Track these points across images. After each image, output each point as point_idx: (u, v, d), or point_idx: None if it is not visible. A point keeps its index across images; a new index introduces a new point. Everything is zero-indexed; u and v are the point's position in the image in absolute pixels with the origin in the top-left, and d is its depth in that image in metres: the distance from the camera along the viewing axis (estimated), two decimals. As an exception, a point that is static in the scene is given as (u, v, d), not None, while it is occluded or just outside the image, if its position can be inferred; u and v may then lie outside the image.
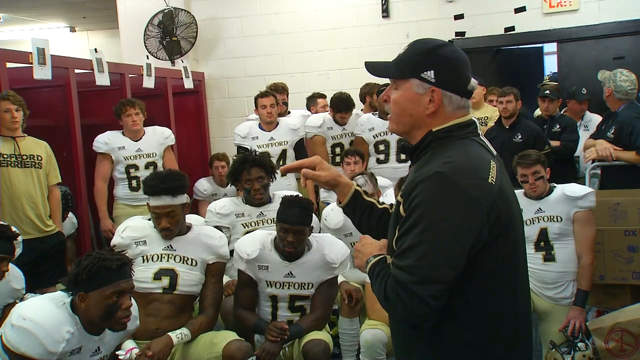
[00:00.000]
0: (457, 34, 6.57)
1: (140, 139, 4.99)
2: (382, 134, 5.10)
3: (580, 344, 3.43)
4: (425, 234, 1.53)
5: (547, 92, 5.37)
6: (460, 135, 1.66)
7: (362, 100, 5.77)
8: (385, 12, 6.84)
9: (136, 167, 4.92)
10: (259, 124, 5.12)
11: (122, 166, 4.92)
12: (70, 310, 2.44)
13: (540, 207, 3.63)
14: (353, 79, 6.24)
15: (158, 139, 5.08)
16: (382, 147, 5.09)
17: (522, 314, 1.72)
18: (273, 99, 5.04)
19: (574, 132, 5.19)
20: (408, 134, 1.74)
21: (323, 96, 5.97)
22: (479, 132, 1.71)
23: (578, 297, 3.52)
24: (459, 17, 6.48)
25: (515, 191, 3.75)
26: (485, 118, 5.57)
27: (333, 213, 3.82)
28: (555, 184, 3.69)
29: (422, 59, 1.67)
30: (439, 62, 1.66)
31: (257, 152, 4.01)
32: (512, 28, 6.43)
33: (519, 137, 4.97)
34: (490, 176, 1.59)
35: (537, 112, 5.72)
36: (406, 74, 1.68)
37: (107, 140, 4.91)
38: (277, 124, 5.11)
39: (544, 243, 3.63)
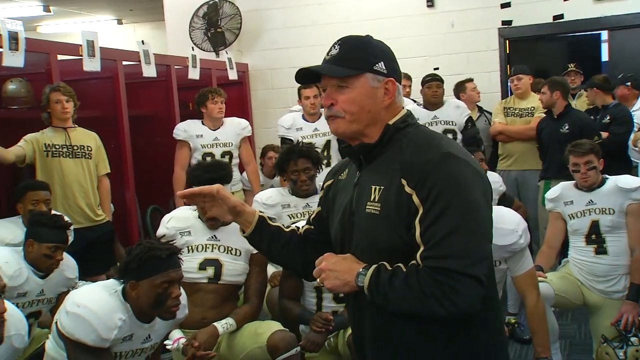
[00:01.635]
0: (503, 22, 6.45)
1: (219, 128, 5.06)
2: (426, 124, 5.02)
3: (633, 339, 3.35)
4: (459, 215, 1.49)
5: (596, 82, 5.24)
6: (414, 124, 1.67)
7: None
8: (430, 2, 6.74)
9: (212, 156, 4.98)
10: (303, 115, 5.12)
11: (199, 154, 4.99)
12: (122, 298, 2.48)
13: (592, 199, 3.55)
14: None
15: (235, 130, 5.14)
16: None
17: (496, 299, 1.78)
18: (316, 90, 5.03)
19: (623, 124, 5.03)
20: (361, 133, 1.66)
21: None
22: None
23: (631, 291, 3.43)
24: (505, 5, 6.35)
25: (565, 183, 3.73)
26: (532, 108, 5.47)
27: None
28: (607, 176, 3.60)
29: (369, 52, 1.64)
30: (383, 53, 1.65)
31: (303, 143, 4.01)
32: (561, 16, 6.27)
33: (566, 127, 4.87)
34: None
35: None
36: (359, 70, 1.63)
37: (185, 128, 5.01)
38: (321, 114, 5.10)
39: (595, 236, 3.55)
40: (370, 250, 1.62)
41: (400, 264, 1.54)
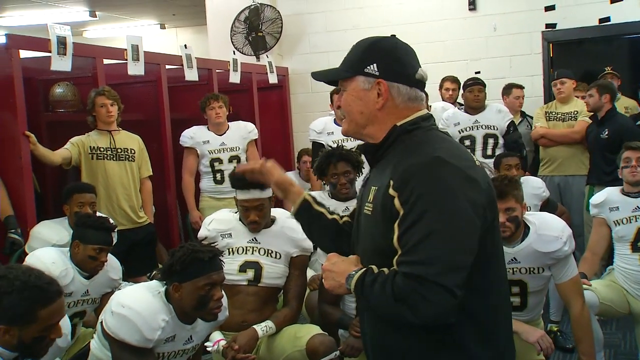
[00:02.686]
0: (547, 25, 6.34)
1: (224, 133, 5.10)
2: (467, 129, 5.01)
3: (680, 351, 3.26)
4: (437, 221, 1.45)
5: None
6: (427, 127, 1.64)
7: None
8: (472, 5, 6.67)
9: (220, 161, 5.02)
10: (334, 119, 5.11)
11: (207, 160, 5.04)
12: (165, 299, 2.51)
13: (639, 205, 3.47)
14: (438, 73, 6.13)
15: (241, 133, 5.17)
16: (467, 143, 5.01)
17: (507, 313, 1.72)
18: None
19: None
20: (361, 134, 1.70)
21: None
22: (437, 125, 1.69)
23: (680, 301, 3.34)
24: (550, 8, 6.24)
25: (611, 188, 3.65)
26: (575, 112, 5.38)
27: None
28: (656, 182, 3.51)
29: (363, 54, 1.67)
30: (379, 55, 1.65)
31: (343, 147, 4.00)
32: (607, 19, 6.14)
33: (606, 133, 4.77)
34: (474, 160, 1.60)
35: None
36: (351, 73, 1.67)
37: (192, 135, 5.05)
38: None
39: (642, 243, 3.47)
40: (368, 251, 1.64)
41: (384, 269, 1.53)
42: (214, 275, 2.49)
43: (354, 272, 1.58)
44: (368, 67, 1.64)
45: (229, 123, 5.16)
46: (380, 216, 1.57)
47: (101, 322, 2.52)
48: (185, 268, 2.44)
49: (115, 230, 3.30)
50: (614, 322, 4.39)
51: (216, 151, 5.05)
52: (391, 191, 1.53)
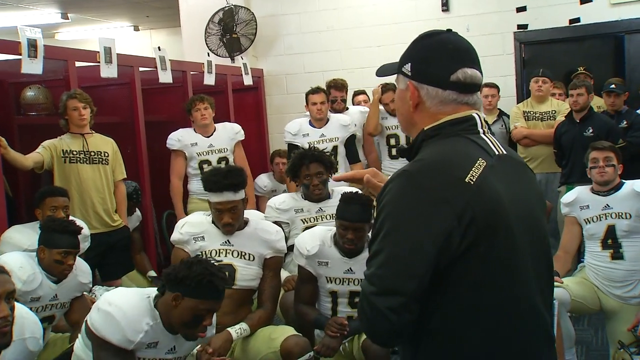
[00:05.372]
0: (519, 26, 6.41)
1: (212, 135, 5.09)
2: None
3: (650, 345, 3.32)
4: (386, 239, 1.40)
5: (613, 86, 5.19)
6: (449, 133, 1.50)
7: None
8: (445, 6, 6.74)
9: (209, 163, 5.01)
10: (309, 120, 5.12)
11: (195, 162, 5.03)
12: (152, 304, 2.52)
13: (608, 203, 3.53)
14: (412, 73, 6.16)
15: (229, 134, 5.17)
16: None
17: (519, 342, 1.45)
18: (324, 96, 5.05)
19: None
20: (410, 134, 1.62)
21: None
22: (478, 129, 1.52)
23: (648, 297, 3.41)
24: (521, 9, 6.31)
25: (581, 187, 3.70)
26: (553, 112, 5.45)
27: (308, 236, 3.33)
28: (624, 180, 3.57)
29: (406, 52, 1.57)
30: (414, 53, 1.55)
31: (316, 148, 4.02)
32: (578, 20, 6.23)
33: (590, 131, 4.84)
34: (470, 175, 1.40)
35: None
36: (396, 70, 1.58)
37: (179, 138, 5.04)
38: (328, 120, 5.11)
39: (611, 240, 3.53)
40: None
41: None
42: (216, 304, 2.52)
43: None
44: (404, 67, 1.55)
45: (215, 124, 5.15)
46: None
47: (86, 320, 2.50)
48: (197, 286, 2.44)
49: (87, 233, 3.28)
50: (585, 318, 4.45)
51: (204, 153, 5.04)
52: (375, 203, 1.53)
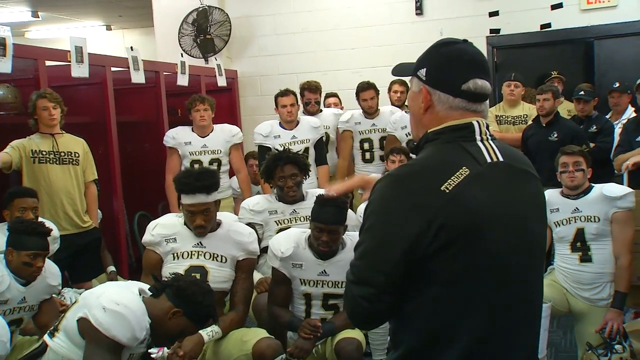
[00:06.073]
0: (491, 31, 6.49)
1: (208, 135, 5.05)
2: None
3: (617, 346, 3.37)
4: (366, 234, 1.54)
5: (582, 93, 5.28)
6: (447, 139, 1.59)
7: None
8: (419, 10, 6.80)
9: (200, 163, 4.96)
10: (280, 122, 5.12)
11: (188, 161, 4.99)
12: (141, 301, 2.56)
13: (578, 206, 3.57)
14: (386, 76, 6.17)
15: (225, 137, 5.12)
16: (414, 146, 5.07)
17: (491, 337, 1.52)
18: (293, 98, 5.05)
19: (610, 134, 5.09)
20: (417, 136, 1.70)
21: (333, 94, 6.13)
22: (476, 136, 1.59)
23: (616, 299, 3.45)
24: (493, 14, 6.40)
25: (552, 190, 3.75)
26: (525, 116, 5.51)
27: (282, 238, 3.33)
28: (593, 184, 3.62)
29: (422, 56, 1.66)
30: (432, 60, 1.63)
31: (290, 150, 4.01)
32: (549, 25, 6.32)
33: (555, 135, 4.90)
34: (447, 183, 1.49)
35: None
36: (412, 73, 1.67)
37: (174, 135, 5.02)
38: (298, 122, 5.11)
39: (580, 243, 3.57)
40: None
41: None
42: (198, 331, 2.74)
43: None
44: (420, 71, 1.64)
45: (214, 126, 5.12)
46: None
47: (78, 320, 2.46)
48: (202, 316, 2.59)
49: (57, 235, 3.23)
50: (555, 320, 4.50)
51: (197, 153, 5.00)
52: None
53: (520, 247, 1.56)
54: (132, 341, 2.43)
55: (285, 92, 5.07)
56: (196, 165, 4.91)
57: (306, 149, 5.03)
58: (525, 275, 1.58)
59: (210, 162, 4.98)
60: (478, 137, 1.59)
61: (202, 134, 5.03)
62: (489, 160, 1.57)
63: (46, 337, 2.63)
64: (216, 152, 5.05)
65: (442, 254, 1.47)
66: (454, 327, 1.52)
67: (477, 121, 1.60)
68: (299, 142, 5.03)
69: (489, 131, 1.62)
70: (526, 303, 1.59)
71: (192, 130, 5.05)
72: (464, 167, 1.52)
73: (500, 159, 1.59)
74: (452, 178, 1.50)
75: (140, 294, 2.58)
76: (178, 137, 5.01)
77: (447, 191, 1.48)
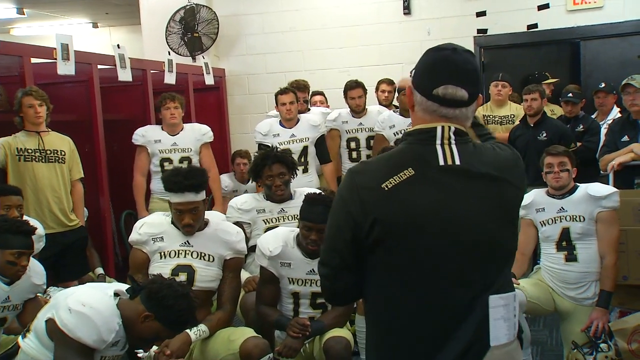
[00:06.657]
0: (479, 31, 6.52)
1: (178, 133, 5.02)
2: (402, 131, 5.08)
3: (602, 345, 3.39)
4: (328, 220, 1.77)
5: (570, 95, 5.32)
6: (411, 140, 1.71)
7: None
8: (407, 9, 6.81)
9: (170, 161, 4.94)
10: (280, 121, 5.11)
11: (157, 159, 4.96)
12: (115, 303, 2.53)
13: (563, 206, 3.60)
14: (373, 75, 6.22)
15: (195, 135, 5.10)
16: (403, 145, 5.09)
17: (427, 324, 1.65)
18: (293, 96, 5.03)
19: (596, 134, 5.13)
20: None
21: (319, 93, 6.18)
22: (436, 140, 1.67)
23: (601, 298, 3.48)
24: (481, 14, 6.42)
25: (538, 190, 3.77)
26: (512, 116, 5.54)
27: (271, 237, 3.32)
28: (578, 184, 3.65)
29: (420, 57, 1.76)
30: (420, 62, 1.74)
31: (279, 149, 4.01)
32: (535, 25, 6.35)
33: (544, 135, 4.93)
34: (388, 181, 1.63)
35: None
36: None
37: (144, 133, 4.98)
38: (298, 120, 5.10)
39: (565, 243, 3.59)
40: None
41: None
42: (174, 335, 2.73)
43: None
44: (411, 71, 1.80)
45: (184, 124, 5.09)
46: None
47: (47, 320, 2.45)
48: (174, 320, 2.55)
49: (42, 233, 3.20)
50: (541, 319, 4.53)
51: (167, 151, 4.97)
52: None
53: (457, 244, 1.64)
54: (98, 343, 2.41)
55: (285, 90, 5.06)
56: (166, 164, 4.90)
57: (305, 148, 5.03)
58: (461, 272, 1.64)
59: (181, 161, 4.96)
60: (438, 142, 1.67)
61: (172, 132, 5.00)
62: (442, 163, 1.66)
63: (19, 338, 2.61)
64: (187, 151, 5.02)
65: (380, 245, 1.65)
66: (396, 315, 1.69)
67: (442, 126, 1.68)
68: (297, 141, 5.02)
69: (456, 136, 1.68)
70: (461, 295, 1.65)
71: (162, 129, 5.01)
72: (409, 168, 1.64)
73: (457, 162, 1.66)
74: (394, 177, 1.64)
75: (118, 296, 2.55)
76: (147, 135, 4.97)
77: (386, 189, 1.63)
